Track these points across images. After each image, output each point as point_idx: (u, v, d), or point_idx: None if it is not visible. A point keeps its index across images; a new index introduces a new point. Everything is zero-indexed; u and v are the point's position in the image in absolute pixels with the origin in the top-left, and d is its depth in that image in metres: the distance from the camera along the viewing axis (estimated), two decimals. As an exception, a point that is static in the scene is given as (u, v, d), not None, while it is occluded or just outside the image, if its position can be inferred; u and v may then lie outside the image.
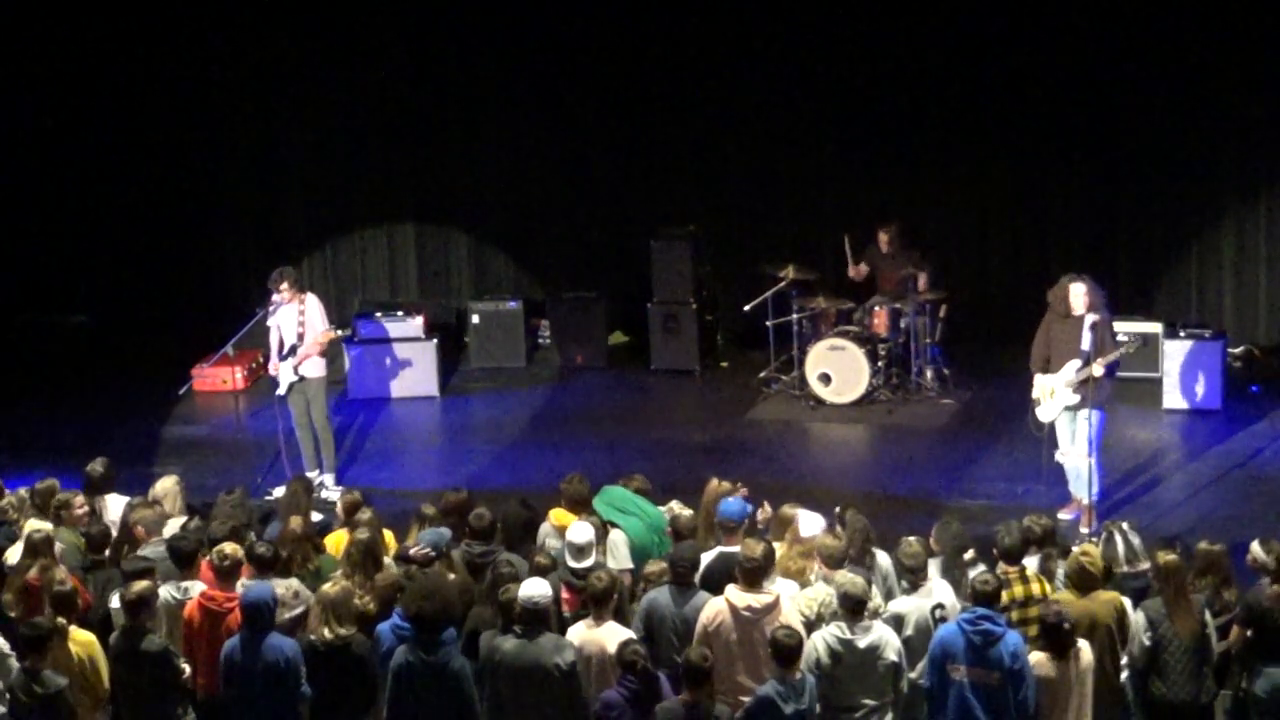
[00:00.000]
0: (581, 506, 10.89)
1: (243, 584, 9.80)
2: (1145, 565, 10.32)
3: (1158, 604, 9.36)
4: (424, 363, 16.61)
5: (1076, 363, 12.26)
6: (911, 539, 9.68)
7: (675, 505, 10.98)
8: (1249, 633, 9.29)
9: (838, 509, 10.52)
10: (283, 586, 9.81)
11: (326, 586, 9.52)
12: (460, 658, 9.01)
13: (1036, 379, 12.60)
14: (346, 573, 9.90)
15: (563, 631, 9.48)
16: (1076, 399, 12.33)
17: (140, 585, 9.49)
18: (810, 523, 10.19)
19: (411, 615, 9.09)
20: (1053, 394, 12.43)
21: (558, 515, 10.85)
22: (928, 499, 13.31)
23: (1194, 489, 13.43)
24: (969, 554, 9.96)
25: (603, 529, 10.59)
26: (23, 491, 11.53)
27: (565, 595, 9.90)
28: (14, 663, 9.41)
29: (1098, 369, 12.16)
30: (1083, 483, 12.43)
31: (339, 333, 14.65)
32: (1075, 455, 12.52)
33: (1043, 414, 12.57)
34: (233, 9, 18.17)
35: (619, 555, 10.49)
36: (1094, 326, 12.19)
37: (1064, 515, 12.44)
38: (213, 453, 15.14)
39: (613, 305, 17.41)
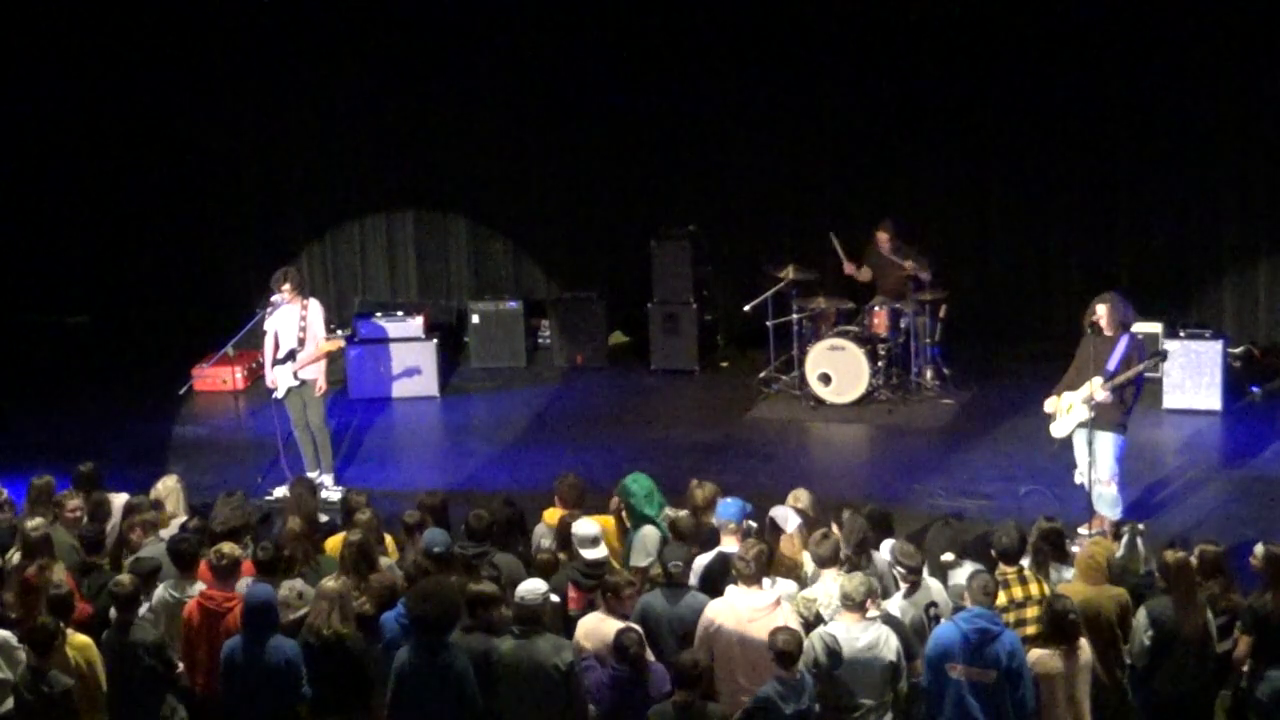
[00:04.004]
0: (575, 505, 10.90)
1: (245, 584, 9.80)
2: (1151, 566, 10.32)
3: (1162, 602, 9.35)
4: (424, 363, 16.62)
5: (1098, 380, 12.03)
6: (905, 540, 9.69)
7: (669, 511, 10.99)
8: (1251, 637, 9.29)
9: (835, 510, 10.52)
10: (286, 587, 9.80)
11: (328, 581, 9.50)
12: (463, 659, 9.01)
13: (1053, 395, 12.35)
14: (340, 574, 9.88)
15: (569, 630, 9.49)
16: (1091, 416, 12.00)
17: (127, 578, 9.52)
18: (782, 518, 10.24)
19: (414, 617, 9.09)
20: (1069, 409, 12.16)
21: (550, 515, 10.86)
22: (926, 499, 13.30)
23: (1194, 489, 13.41)
24: (948, 556, 9.96)
25: (623, 522, 10.70)
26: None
27: (572, 593, 9.92)
28: (21, 655, 9.42)
29: (1100, 392, 11.88)
30: (1104, 503, 12.28)
31: (341, 341, 14.63)
32: (1095, 475, 12.19)
33: (1055, 429, 12.29)
34: (232, 9, 18.19)
35: (650, 550, 10.49)
36: (1126, 348, 12.03)
37: (1084, 531, 12.03)
38: (213, 453, 15.14)
39: (613, 305, 17.42)
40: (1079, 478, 12.21)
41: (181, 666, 9.60)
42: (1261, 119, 15.96)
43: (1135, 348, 12.12)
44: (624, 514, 10.91)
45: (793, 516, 10.27)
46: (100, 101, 18.54)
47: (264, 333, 13.94)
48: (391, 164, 18.40)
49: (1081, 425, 12.06)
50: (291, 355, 13.77)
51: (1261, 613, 9.24)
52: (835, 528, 10.18)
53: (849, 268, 16.05)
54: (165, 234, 18.79)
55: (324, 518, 11.93)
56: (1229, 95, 16.02)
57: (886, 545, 10.02)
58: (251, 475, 14.04)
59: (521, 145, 18.07)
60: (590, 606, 9.71)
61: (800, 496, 10.72)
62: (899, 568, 9.55)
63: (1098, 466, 12.07)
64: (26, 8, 18.25)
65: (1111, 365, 12.01)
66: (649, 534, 10.60)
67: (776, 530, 10.25)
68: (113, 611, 9.67)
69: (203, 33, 18.29)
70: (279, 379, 13.84)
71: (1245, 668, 9.34)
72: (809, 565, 10.05)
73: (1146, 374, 12.37)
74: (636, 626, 9.17)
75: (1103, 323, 12.13)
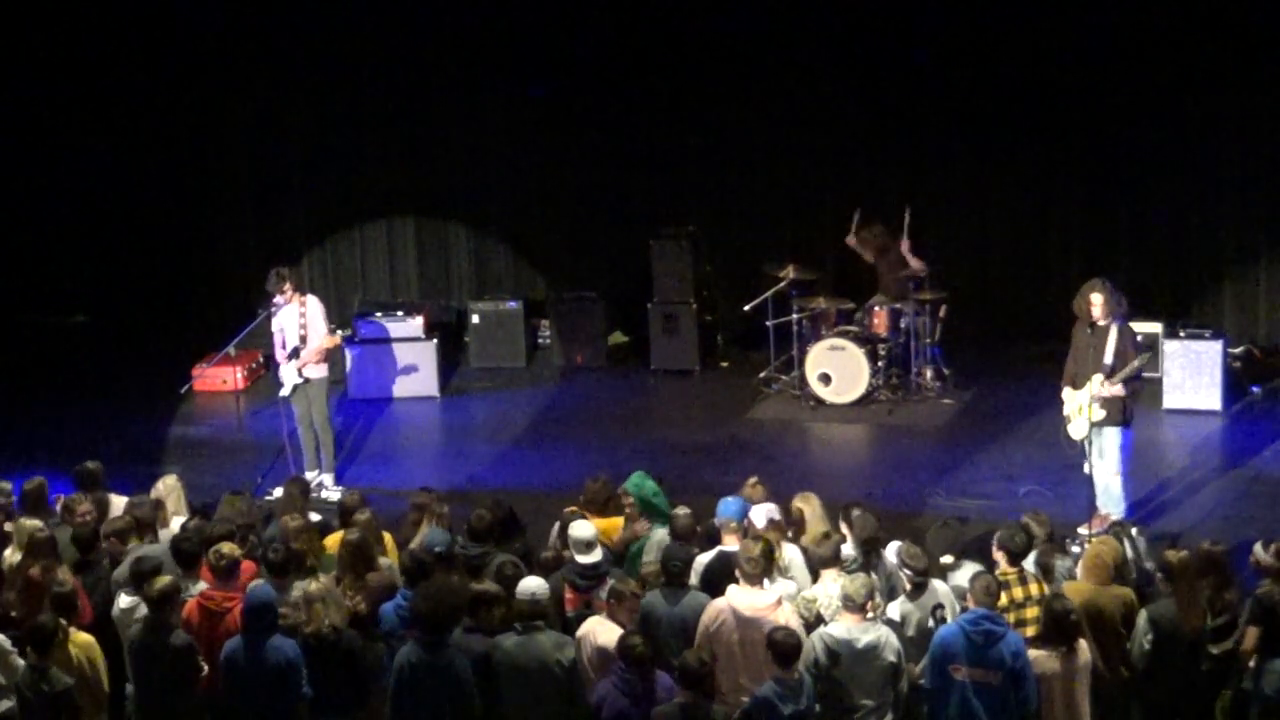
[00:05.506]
0: (599, 509, 10.88)
1: (257, 585, 9.77)
2: (1149, 565, 10.32)
3: (1163, 605, 9.36)
4: (424, 363, 16.62)
5: (1100, 378, 12.05)
6: (910, 541, 9.70)
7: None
8: (1258, 629, 9.28)
9: (843, 508, 10.50)
10: (299, 588, 9.73)
11: (311, 585, 9.46)
12: (462, 658, 9.01)
13: (1065, 394, 12.35)
14: (338, 575, 9.88)
15: (565, 631, 9.49)
16: (1103, 414, 12.07)
17: (164, 580, 9.46)
18: (760, 514, 10.26)
19: (417, 615, 9.09)
20: (1081, 410, 12.16)
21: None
22: (926, 499, 13.30)
23: (1194, 489, 13.41)
24: (947, 558, 9.97)
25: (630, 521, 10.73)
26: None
27: (568, 595, 9.92)
28: (17, 660, 9.40)
29: (1109, 389, 11.96)
30: (1110, 498, 12.31)
31: (340, 337, 14.65)
32: (1103, 471, 12.27)
33: (1074, 431, 12.30)
34: (232, 9, 18.18)
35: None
36: (1119, 339, 12.07)
37: (1084, 531, 11.95)
38: (213, 453, 15.14)
39: (613, 305, 17.42)
40: (1088, 468, 12.22)
41: (206, 669, 9.52)
42: (1261, 119, 15.96)
43: (1127, 337, 12.18)
44: (630, 512, 10.91)
45: (763, 514, 10.31)
46: (100, 101, 18.52)
47: (273, 333, 13.97)
48: (392, 164, 18.37)
49: (1095, 424, 12.08)
50: (295, 353, 13.80)
51: (1269, 604, 9.22)
52: (845, 526, 10.19)
53: (904, 244, 15.82)
54: (165, 234, 18.77)
55: (316, 517, 11.90)
56: (1229, 95, 16.01)
57: (892, 546, 10.02)
58: (252, 475, 14.04)
59: (521, 146, 18.05)
60: (587, 607, 9.70)
61: (809, 499, 10.73)
62: (905, 569, 9.55)
63: (1106, 461, 12.11)
64: (27, 7, 18.25)
65: (1108, 359, 12.04)
66: (662, 536, 10.60)
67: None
68: (124, 615, 9.67)
69: (203, 33, 18.28)
70: (284, 377, 13.88)
71: (1251, 663, 9.33)
72: (786, 557, 10.06)
73: (1140, 365, 12.40)
74: (638, 632, 9.17)
75: (1096, 311, 12.16)
